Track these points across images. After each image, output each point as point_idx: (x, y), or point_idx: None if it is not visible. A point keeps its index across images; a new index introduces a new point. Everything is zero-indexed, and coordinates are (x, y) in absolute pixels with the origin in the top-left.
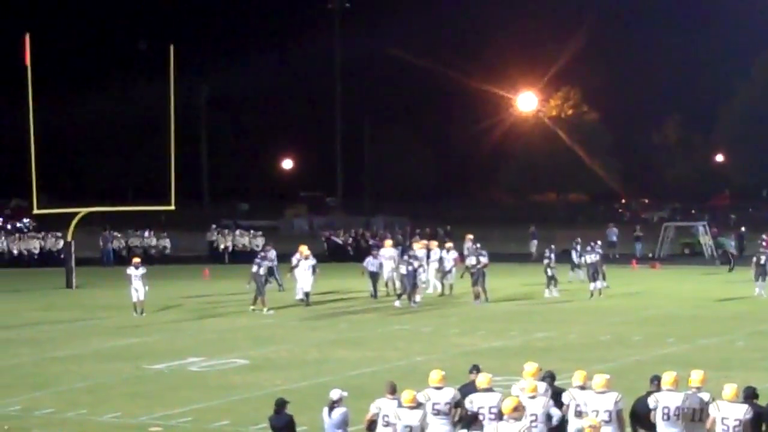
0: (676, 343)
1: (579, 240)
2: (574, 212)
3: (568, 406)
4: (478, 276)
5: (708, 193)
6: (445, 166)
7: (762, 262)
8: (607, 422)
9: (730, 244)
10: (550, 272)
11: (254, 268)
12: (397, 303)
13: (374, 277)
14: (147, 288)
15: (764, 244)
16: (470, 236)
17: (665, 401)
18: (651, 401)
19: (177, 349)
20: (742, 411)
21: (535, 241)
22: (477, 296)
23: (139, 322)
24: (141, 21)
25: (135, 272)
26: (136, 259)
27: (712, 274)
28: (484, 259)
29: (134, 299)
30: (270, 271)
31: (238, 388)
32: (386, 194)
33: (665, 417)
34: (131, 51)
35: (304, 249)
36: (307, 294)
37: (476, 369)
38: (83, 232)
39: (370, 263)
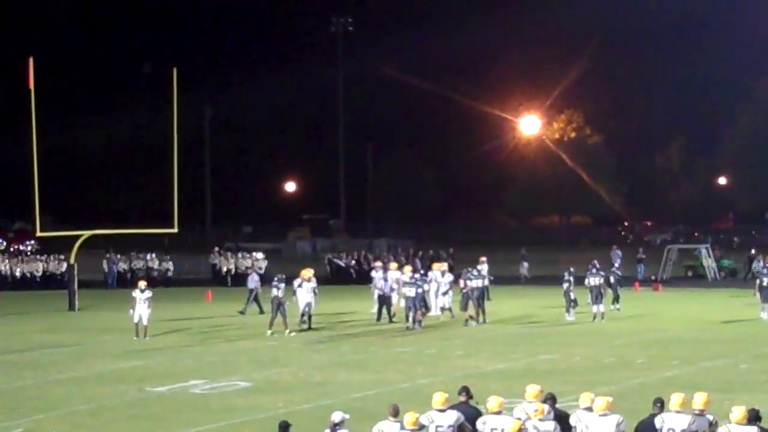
0: (679, 366)
1: (595, 262)
2: (578, 235)
3: (575, 428)
4: (465, 300)
5: (711, 215)
6: (448, 189)
7: (765, 284)
8: None
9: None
10: (572, 295)
11: (273, 291)
12: (409, 323)
13: (387, 300)
14: (150, 311)
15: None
16: (483, 258)
17: (671, 423)
18: (657, 422)
19: (179, 372)
20: None
21: (525, 264)
22: (466, 320)
23: (142, 345)
24: (145, 44)
25: (140, 295)
26: (143, 282)
27: (735, 296)
28: (470, 283)
29: (135, 321)
30: (256, 296)
31: (240, 410)
32: (389, 217)
33: None
34: (135, 74)
35: (306, 272)
36: (309, 317)
37: (465, 391)
38: (86, 255)
39: (386, 286)
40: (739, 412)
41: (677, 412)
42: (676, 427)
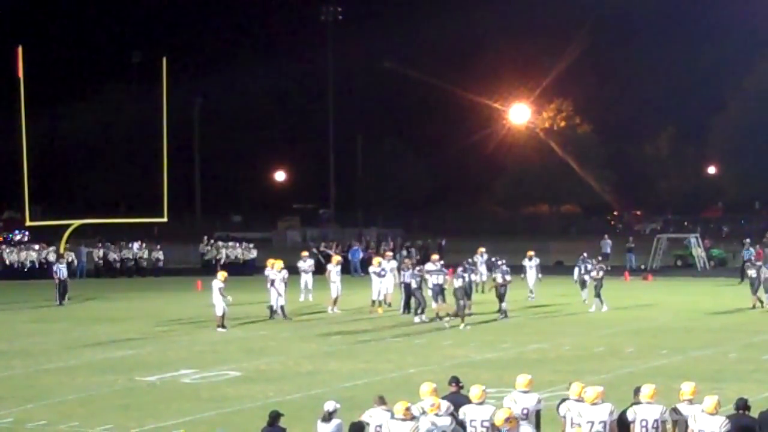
0: (668, 355)
1: (585, 255)
2: (567, 224)
3: (564, 417)
4: (435, 293)
5: (700, 205)
6: (438, 178)
7: (754, 274)
8: None
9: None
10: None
11: (458, 282)
12: (416, 319)
13: (408, 289)
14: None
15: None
16: (531, 252)
17: (644, 414)
18: (630, 414)
19: (169, 361)
20: (719, 424)
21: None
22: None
23: (133, 334)
24: (134, 33)
25: (222, 285)
26: (224, 273)
27: (725, 286)
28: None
29: (220, 313)
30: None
31: (230, 400)
32: (379, 206)
33: (643, 430)
34: (125, 63)
35: (278, 263)
36: (281, 307)
37: (455, 381)
38: (75, 244)
39: (407, 275)
40: (710, 401)
41: (648, 403)
42: (649, 418)
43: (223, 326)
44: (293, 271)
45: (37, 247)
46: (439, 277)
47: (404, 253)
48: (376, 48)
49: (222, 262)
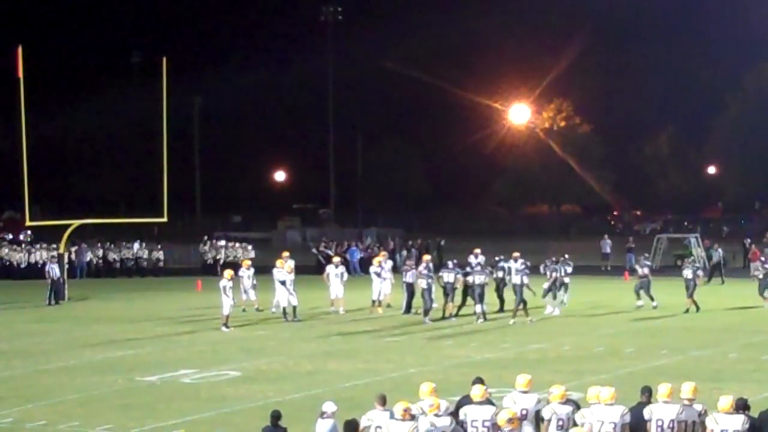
0: (669, 355)
1: (566, 257)
2: (567, 224)
3: (549, 420)
4: (447, 291)
5: (700, 204)
6: (438, 178)
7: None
8: None
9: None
10: None
11: (516, 279)
12: (426, 320)
13: (410, 289)
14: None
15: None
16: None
17: (660, 413)
18: (646, 413)
19: (169, 361)
20: (740, 422)
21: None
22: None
23: (133, 334)
24: (134, 33)
25: (227, 284)
26: (231, 272)
27: (725, 285)
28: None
29: (226, 312)
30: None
31: (230, 400)
32: (379, 206)
33: (659, 430)
34: (124, 63)
35: (287, 264)
36: (294, 308)
37: (480, 381)
38: (76, 245)
39: (409, 275)
40: (726, 401)
41: (665, 402)
42: (665, 418)
43: (226, 326)
44: (267, 271)
45: (37, 246)
46: (450, 275)
47: (404, 253)
48: (376, 48)
49: (221, 262)
